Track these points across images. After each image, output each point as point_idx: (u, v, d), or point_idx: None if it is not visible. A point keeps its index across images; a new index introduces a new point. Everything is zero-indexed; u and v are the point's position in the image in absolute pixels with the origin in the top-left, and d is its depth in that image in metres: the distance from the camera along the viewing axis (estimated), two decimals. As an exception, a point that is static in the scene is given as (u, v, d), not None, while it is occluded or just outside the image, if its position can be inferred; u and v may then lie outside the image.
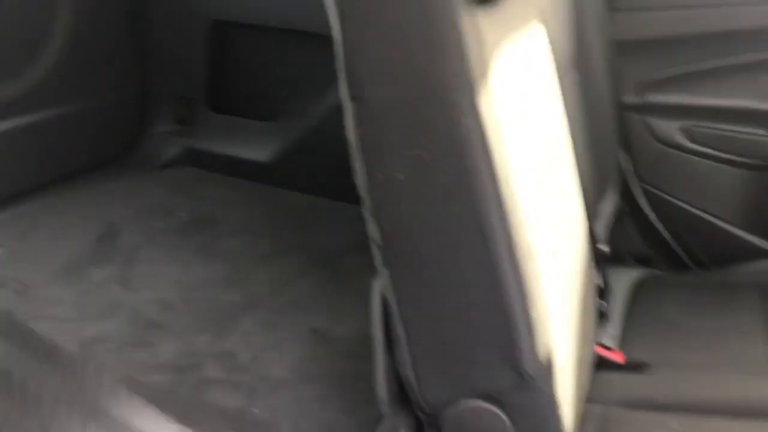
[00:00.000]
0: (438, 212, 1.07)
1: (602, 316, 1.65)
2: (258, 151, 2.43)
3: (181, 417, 1.23)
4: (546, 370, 1.13)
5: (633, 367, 1.57)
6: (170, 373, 1.53)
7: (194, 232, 2.09)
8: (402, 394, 1.27)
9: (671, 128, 2.03)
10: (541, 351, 1.11)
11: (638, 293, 1.91)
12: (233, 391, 1.49)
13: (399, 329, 1.18)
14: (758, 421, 1.35)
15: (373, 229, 1.13)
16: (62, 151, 2.28)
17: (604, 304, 1.63)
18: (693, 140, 2.00)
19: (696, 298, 1.81)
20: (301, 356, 1.63)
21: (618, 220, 2.08)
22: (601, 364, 1.58)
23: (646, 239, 2.13)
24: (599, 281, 1.63)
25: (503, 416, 1.18)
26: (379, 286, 1.18)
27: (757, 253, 1.97)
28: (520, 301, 1.08)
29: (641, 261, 2.12)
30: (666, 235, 2.11)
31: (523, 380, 1.13)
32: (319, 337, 1.70)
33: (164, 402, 1.29)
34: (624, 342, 1.69)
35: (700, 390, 1.46)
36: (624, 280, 1.98)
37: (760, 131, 1.89)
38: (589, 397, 1.48)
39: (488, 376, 1.15)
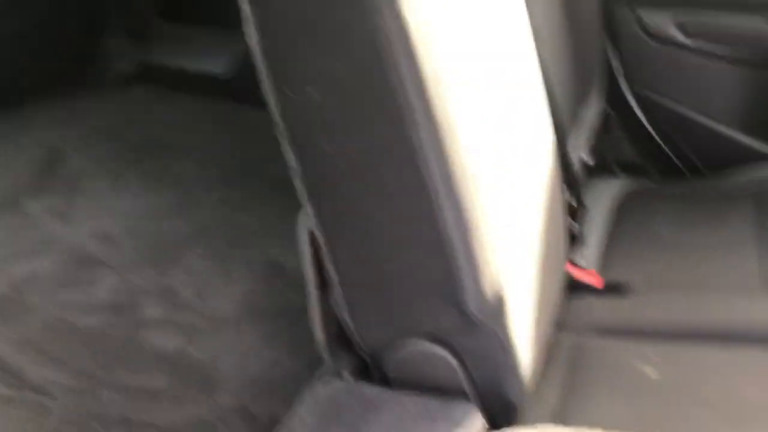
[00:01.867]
0: (360, 137, 0.91)
1: (577, 236, 1.50)
2: (215, 63, 2.24)
3: (114, 361, 1.12)
4: (495, 310, 0.99)
5: (610, 290, 1.43)
6: (106, 314, 1.41)
7: (144, 157, 1.93)
8: (343, 336, 1.15)
9: (664, 21, 1.82)
10: (488, 289, 0.97)
11: (625, 207, 1.75)
12: (173, 332, 1.37)
13: (330, 269, 1.05)
14: (742, 347, 1.22)
15: (290, 158, 0.97)
16: (1, 71, 2.10)
17: (576, 225, 1.48)
18: (688, 34, 1.79)
19: (686, 210, 1.65)
20: (251, 291, 1.50)
21: (604, 126, 1.91)
22: (575, 288, 1.44)
23: (635, 146, 1.96)
24: (571, 199, 1.47)
25: (451, 359, 1.06)
26: (305, 221, 1.04)
27: (756, 157, 1.80)
28: (460, 234, 0.93)
29: (630, 171, 1.96)
30: (658, 140, 1.94)
31: (469, 322, 1.00)
32: (273, 269, 1.57)
33: (97, 345, 1.18)
34: (604, 262, 1.55)
35: (682, 314, 1.33)
36: (610, 192, 1.82)
37: (762, 23, 1.68)
38: (560, 325, 1.36)
39: (431, 318, 1.02)
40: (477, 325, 1.00)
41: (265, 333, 1.38)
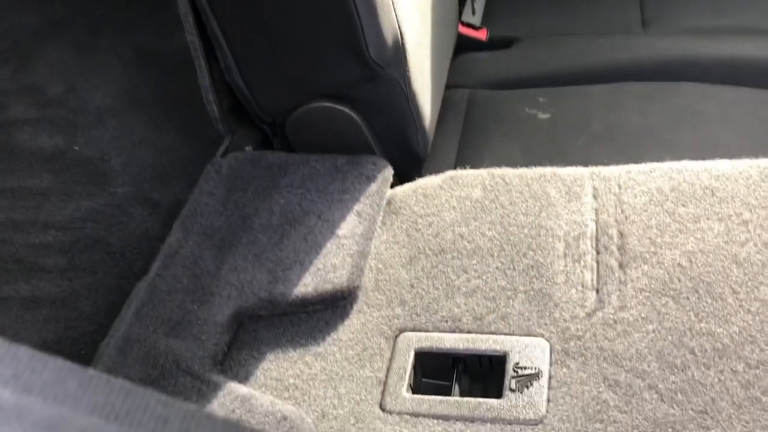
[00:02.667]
0: None
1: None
2: None
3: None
4: (395, 56, 0.97)
5: (498, 43, 1.44)
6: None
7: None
8: (239, 108, 1.10)
9: None
10: (388, 36, 0.94)
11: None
12: (49, 131, 1.27)
13: (215, 29, 0.97)
14: (625, 83, 1.28)
15: None
16: None
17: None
18: None
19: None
20: (125, 80, 1.39)
21: None
22: (465, 46, 1.44)
23: None
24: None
25: (355, 115, 1.04)
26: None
27: None
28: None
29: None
30: None
31: (370, 71, 0.97)
32: (145, 56, 1.45)
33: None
34: (489, 17, 1.54)
35: (567, 59, 1.37)
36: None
37: None
38: (452, 82, 1.36)
39: (330, 72, 0.98)
40: (378, 75, 0.98)
41: (151, 121, 1.30)
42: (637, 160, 1.01)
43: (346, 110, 1.04)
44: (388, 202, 1.01)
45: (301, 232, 0.95)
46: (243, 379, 0.84)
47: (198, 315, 0.88)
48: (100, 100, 1.35)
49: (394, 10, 0.94)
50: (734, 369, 0.73)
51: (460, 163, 1.17)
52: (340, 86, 1.01)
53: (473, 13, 1.49)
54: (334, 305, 0.90)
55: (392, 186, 1.05)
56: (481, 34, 1.44)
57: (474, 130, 1.27)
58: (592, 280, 0.85)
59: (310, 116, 1.04)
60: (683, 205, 0.89)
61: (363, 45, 0.93)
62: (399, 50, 0.97)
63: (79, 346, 0.99)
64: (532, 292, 0.85)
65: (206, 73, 1.02)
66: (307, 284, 0.89)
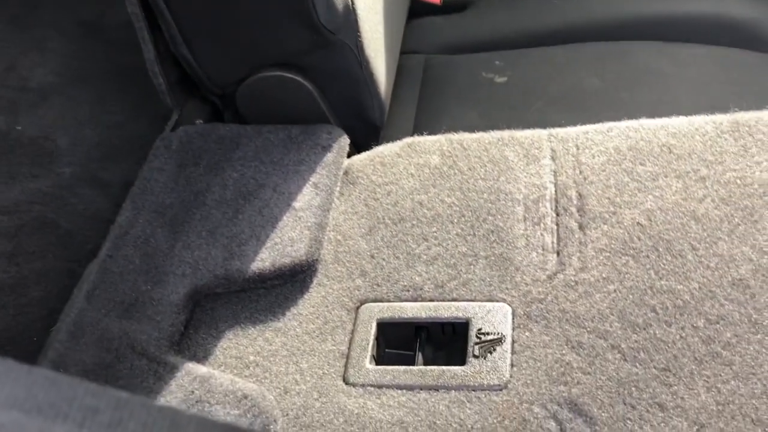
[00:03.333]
0: None
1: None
2: None
3: None
4: (346, 21, 0.94)
5: (452, 7, 1.42)
6: None
7: None
8: (187, 80, 1.06)
9: None
10: (338, 0, 0.91)
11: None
12: (-11, 110, 1.21)
13: (160, 2, 0.93)
14: (582, 45, 1.27)
15: None
16: None
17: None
18: None
19: None
20: (68, 56, 1.34)
21: None
22: (419, 9, 1.41)
23: None
24: None
25: (307, 83, 1.01)
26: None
27: None
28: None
29: None
30: None
31: (321, 37, 0.94)
32: (89, 30, 1.39)
33: None
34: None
35: (522, 22, 1.35)
36: None
37: None
38: (407, 47, 1.34)
39: (280, 39, 0.95)
40: (330, 41, 0.95)
41: (97, 98, 1.25)
42: (594, 121, 1.00)
43: (299, 79, 1.01)
44: (345, 172, 0.99)
45: (256, 206, 0.93)
46: (201, 359, 0.82)
47: (152, 295, 0.85)
48: (42, 77, 1.29)
49: (343, -29, 0.91)
50: (695, 325, 0.73)
51: (417, 130, 1.15)
52: (291, 54, 0.98)
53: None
54: (293, 279, 0.88)
55: (349, 155, 1.03)
56: (435, -1, 1.41)
57: (431, 96, 1.25)
58: (552, 242, 0.84)
59: (261, 86, 1.01)
60: (641, 164, 0.89)
61: (312, 10, 0.90)
62: (350, 15, 0.94)
63: (30, 332, 0.95)
64: (493, 258, 0.84)
65: (150, 45, 0.97)
66: (264, 259, 0.87)
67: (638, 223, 0.82)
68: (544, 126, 1.01)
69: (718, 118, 0.93)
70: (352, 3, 0.94)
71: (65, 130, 1.20)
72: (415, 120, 1.20)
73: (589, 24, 1.31)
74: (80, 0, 1.43)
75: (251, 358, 0.81)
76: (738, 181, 0.83)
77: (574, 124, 1.01)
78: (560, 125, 1.01)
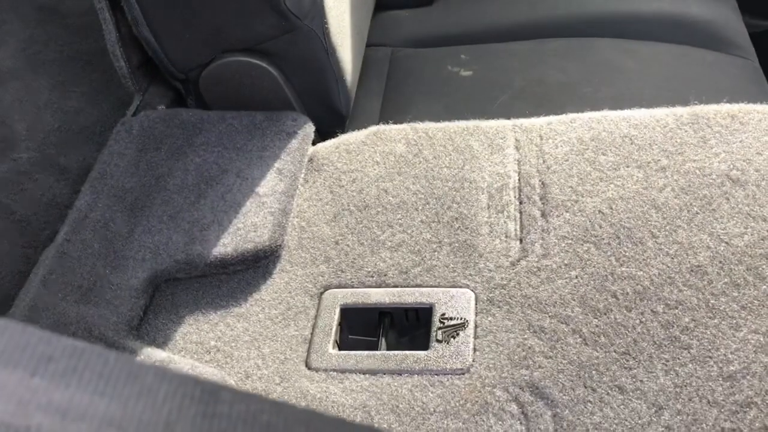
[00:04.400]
0: None
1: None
2: None
3: None
4: (312, 7, 0.94)
5: (419, 1, 1.42)
6: None
7: None
8: (149, 64, 1.04)
9: None
10: (304, -17, 0.90)
11: None
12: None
13: (120, -22, 0.91)
14: (545, 39, 1.28)
15: None
16: None
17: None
18: None
19: None
20: (26, 40, 1.31)
21: None
22: (385, 3, 1.41)
23: None
24: None
25: (272, 69, 1.00)
26: None
27: None
28: None
29: None
30: None
31: (288, 22, 0.93)
32: (48, 14, 1.36)
33: None
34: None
35: (487, 17, 1.36)
36: None
37: None
38: (374, 40, 1.34)
39: (245, 23, 0.94)
40: (296, 27, 0.94)
41: (56, 83, 1.23)
42: (558, 114, 1.01)
43: (264, 64, 1.00)
44: (311, 159, 0.98)
45: (219, 191, 0.91)
46: (161, 344, 0.80)
47: (110, 280, 0.83)
48: (0, 61, 1.26)
49: (310, -43, 0.91)
50: (654, 310, 0.74)
51: (383, 120, 1.15)
52: (257, 38, 0.97)
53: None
54: (256, 265, 0.87)
55: (314, 143, 1.02)
56: (403, -9, 1.41)
57: (397, 88, 1.25)
58: (515, 229, 0.85)
59: (225, 71, 1.00)
60: (603, 154, 0.90)
61: (278, -6, 0.89)
62: (316, 1, 0.94)
63: (-17, 319, 0.92)
64: (457, 244, 0.84)
65: (112, 27, 0.96)
66: (227, 244, 0.86)
67: (600, 211, 0.83)
68: (508, 118, 1.02)
69: (678, 110, 0.95)
70: (318, -11, 0.94)
71: (22, 116, 1.17)
72: (381, 110, 1.20)
73: (554, 20, 1.32)
74: (40, -15, 1.40)
75: (212, 343, 0.80)
76: (697, 171, 0.85)
77: (538, 116, 1.02)
78: (524, 117, 1.02)
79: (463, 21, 1.37)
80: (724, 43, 1.24)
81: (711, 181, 0.84)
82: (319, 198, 0.93)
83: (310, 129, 1.00)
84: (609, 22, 1.30)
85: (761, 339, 0.69)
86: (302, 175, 0.95)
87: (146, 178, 0.93)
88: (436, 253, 0.84)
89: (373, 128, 1.01)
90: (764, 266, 0.75)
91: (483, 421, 0.69)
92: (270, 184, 0.91)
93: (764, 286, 0.73)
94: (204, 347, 0.80)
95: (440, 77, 1.26)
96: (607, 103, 1.11)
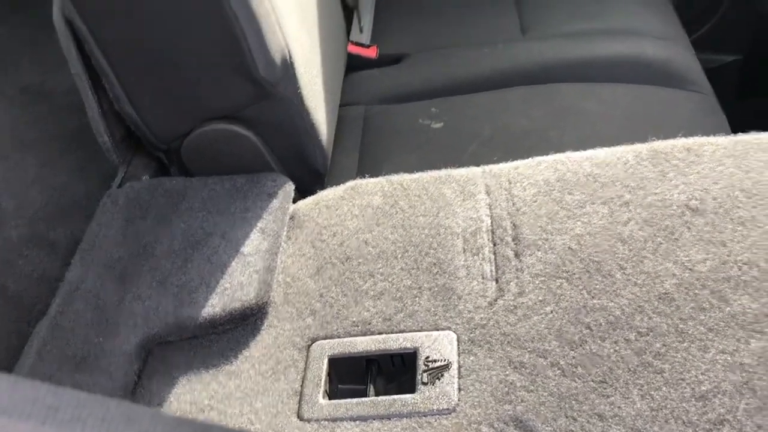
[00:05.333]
0: None
1: (351, 11, 1.51)
2: None
3: None
4: (285, 74, 0.99)
5: (388, 60, 1.49)
6: None
7: None
8: (132, 137, 1.08)
9: None
10: (275, 54, 0.96)
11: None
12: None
13: (99, 58, 0.96)
14: (509, 88, 1.35)
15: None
16: None
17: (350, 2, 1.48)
18: None
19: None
20: (11, 122, 1.35)
21: None
22: (356, 63, 1.47)
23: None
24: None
25: (251, 135, 1.05)
26: (61, 8, 0.93)
27: None
28: (244, 5, 0.89)
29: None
30: None
31: (262, 89, 0.99)
32: (32, 95, 1.42)
33: None
34: (377, 35, 1.59)
35: (454, 70, 1.42)
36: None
37: None
38: (347, 100, 1.40)
39: (221, 93, 0.99)
40: (270, 93, 0.99)
41: (43, 161, 1.27)
42: (525, 158, 1.06)
43: (242, 131, 1.04)
44: (292, 217, 1.02)
45: (205, 254, 0.95)
46: (156, 406, 0.83)
47: (104, 347, 0.86)
48: (-13, 143, 1.30)
49: (280, 28, 0.96)
50: (627, 338, 0.78)
51: (360, 175, 1.19)
52: (233, 107, 1.02)
53: (361, 31, 1.53)
54: (244, 323, 0.90)
55: (295, 201, 1.06)
56: (371, 52, 1.48)
57: (372, 144, 1.30)
58: (491, 270, 0.88)
59: (206, 140, 1.04)
60: (569, 193, 0.95)
61: (251, 64, 0.94)
62: (288, 68, 0.99)
63: (-21, 396, 0.94)
64: (436, 289, 0.88)
65: (95, 105, 1.00)
66: (215, 305, 0.89)
67: (569, 247, 0.87)
68: (478, 165, 1.07)
69: (638, 147, 1.00)
70: (290, 57, 0.99)
71: (11, 193, 1.21)
72: (358, 166, 1.25)
73: (516, 69, 1.39)
74: (23, 65, 1.46)
75: (206, 402, 0.82)
76: (658, 204, 0.90)
77: (506, 161, 1.07)
78: (494, 163, 1.07)
79: (432, 76, 1.43)
80: (680, 80, 1.31)
81: (672, 212, 0.88)
82: (302, 253, 0.96)
83: (290, 188, 1.04)
84: (569, 67, 1.37)
85: (728, 358, 0.73)
86: (285, 233, 0.98)
87: (134, 247, 0.96)
88: (417, 298, 0.88)
89: (350, 183, 1.06)
90: (726, 289, 0.79)
91: (471, 457, 0.71)
92: (254, 244, 0.95)
93: (728, 308, 0.77)
94: (198, 407, 0.82)
95: (413, 131, 1.31)
96: (572, 145, 1.16)
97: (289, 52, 0.99)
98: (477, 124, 1.29)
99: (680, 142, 0.98)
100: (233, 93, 0.99)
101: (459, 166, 1.09)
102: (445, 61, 1.45)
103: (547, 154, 1.05)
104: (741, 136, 0.97)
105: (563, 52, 1.40)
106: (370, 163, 1.25)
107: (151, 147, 1.08)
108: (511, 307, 0.84)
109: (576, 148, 1.07)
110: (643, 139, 1.04)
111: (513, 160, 1.06)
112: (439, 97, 1.38)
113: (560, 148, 1.10)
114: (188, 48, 0.94)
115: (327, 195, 1.04)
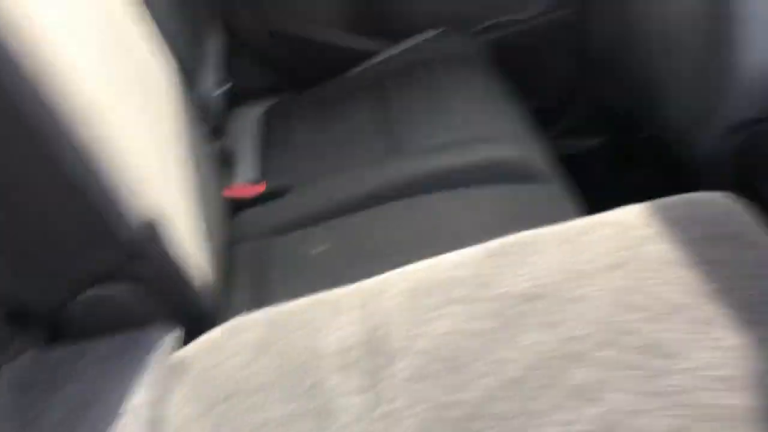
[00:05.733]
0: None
1: (228, 158, 1.62)
2: None
3: None
4: (154, 231, 1.06)
5: (273, 194, 1.58)
6: None
7: None
8: (13, 314, 1.12)
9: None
10: (143, 214, 1.03)
11: (270, 122, 1.91)
12: None
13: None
14: (384, 205, 1.45)
15: None
16: None
17: (226, 149, 1.59)
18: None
19: (318, 112, 1.85)
20: None
21: (235, 55, 2.02)
22: (241, 204, 1.56)
23: (265, 66, 2.11)
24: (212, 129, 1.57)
25: (131, 292, 1.10)
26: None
27: (364, 55, 2.05)
28: (98, 184, 0.97)
29: (270, 90, 2.11)
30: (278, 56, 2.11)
31: (131, 249, 1.05)
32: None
33: None
34: (263, 172, 1.69)
35: (333, 195, 1.52)
36: (254, 113, 1.97)
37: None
38: (234, 240, 1.47)
39: (91, 259, 1.05)
40: (141, 250, 1.06)
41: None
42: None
43: (123, 289, 1.10)
44: (180, 363, 1.06)
45: (96, 415, 0.98)
46: None
47: None
48: None
49: (144, 187, 1.04)
50: (486, 426, 0.83)
51: (249, 312, 1.25)
52: (107, 269, 1.07)
53: (243, 174, 1.63)
54: (136, 478, 0.92)
55: (186, 343, 1.10)
56: (254, 190, 1.57)
57: (262, 279, 1.37)
58: (368, 382, 0.94)
59: (87, 305, 1.09)
60: (429, 297, 1.02)
61: (112, 231, 1.01)
62: (156, 231, 1.06)
63: None
64: (315, 411, 0.92)
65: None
66: (104, 465, 0.91)
67: (430, 348, 0.94)
68: (354, 282, 1.14)
69: (490, 244, 1.09)
70: (159, 211, 1.06)
71: None
72: (249, 302, 1.30)
73: (390, 186, 1.50)
74: None
75: None
76: (504, 295, 0.98)
77: (380, 274, 1.14)
78: (368, 278, 1.14)
79: (314, 203, 1.53)
80: (532, 175, 1.44)
81: (516, 301, 0.96)
82: (187, 399, 1.00)
83: (176, 336, 1.09)
84: (437, 177, 1.48)
85: (570, 429, 0.79)
86: (171, 382, 1.02)
87: (22, 422, 0.98)
88: (297, 423, 0.92)
89: (231, 321, 1.11)
90: (566, 364, 0.86)
91: None
92: (141, 398, 0.98)
93: (569, 381, 0.84)
94: None
95: (298, 260, 1.39)
96: (444, 249, 1.25)
97: (155, 214, 1.06)
98: (356, 243, 1.37)
99: (522, 235, 1.08)
100: (104, 257, 1.05)
101: (338, 286, 1.16)
102: (325, 189, 1.56)
103: (418, 261, 1.13)
104: (574, 222, 1.08)
105: (430, 164, 1.52)
106: (261, 299, 1.31)
107: (38, 319, 1.12)
108: (387, 414, 0.89)
109: (447, 251, 1.15)
110: (501, 236, 1.14)
111: (386, 272, 1.14)
112: (322, 223, 1.47)
113: (431, 254, 1.18)
114: (45, 222, 0.99)
115: (210, 337, 1.09)
